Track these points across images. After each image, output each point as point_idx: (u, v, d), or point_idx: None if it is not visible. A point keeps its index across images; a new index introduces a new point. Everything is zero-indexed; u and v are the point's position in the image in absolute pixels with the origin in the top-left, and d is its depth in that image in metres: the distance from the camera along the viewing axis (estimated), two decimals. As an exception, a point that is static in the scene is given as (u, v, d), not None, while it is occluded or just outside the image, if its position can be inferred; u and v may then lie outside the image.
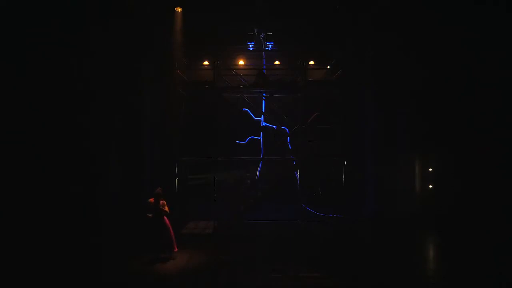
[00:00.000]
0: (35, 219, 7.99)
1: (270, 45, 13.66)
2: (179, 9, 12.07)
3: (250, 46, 13.63)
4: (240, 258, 8.71)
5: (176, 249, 8.75)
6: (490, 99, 10.56)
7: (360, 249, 9.44)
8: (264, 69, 13.05)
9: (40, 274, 7.19)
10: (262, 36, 13.37)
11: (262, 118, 13.65)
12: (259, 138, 13.88)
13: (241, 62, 13.57)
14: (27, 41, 8.05)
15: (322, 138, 12.17)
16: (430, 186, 12.51)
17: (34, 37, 8.15)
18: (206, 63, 13.34)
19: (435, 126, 11.83)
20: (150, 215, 8.57)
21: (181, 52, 12.17)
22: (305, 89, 11.70)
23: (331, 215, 11.91)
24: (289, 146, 13.42)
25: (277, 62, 13.65)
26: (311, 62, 13.18)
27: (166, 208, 8.67)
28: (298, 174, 12.12)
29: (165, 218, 8.68)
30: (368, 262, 8.42)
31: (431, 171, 12.55)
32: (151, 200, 8.65)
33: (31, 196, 7.99)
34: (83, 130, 9.47)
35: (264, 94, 13.11)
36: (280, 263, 8.31)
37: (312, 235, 10.76)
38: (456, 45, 11.08)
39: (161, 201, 8.64)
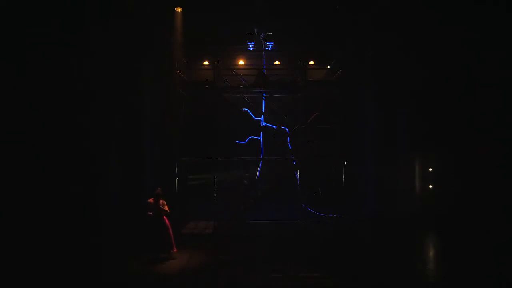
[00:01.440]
0: (35, 219, 7.98)
1: (270, 45, 13.66)
2: (179, 9, 12.06)
3: (250, 46, 13.63)
4: (240, 258, 8.72)
5: (175, 250, 8.75)
6: (490, 99, 10.55)
7: (360, 249, 9.45)
8: (264, 69, 13.05)
9: (40, 274, 7.19)
10: (262, 36, 13.36)
11: (262, 118, 13.65)
12: (259, 138, 13.88)
13: (241, 62, 13.57)
14: (27, 41, 8.04)
15: (322, 138, 12.16)
16: (430, 186, 12.51)
17: (34, 37, 8.14)
18: (206, 63, 13.33)
19: (435, 126, 11.82)
20: (151, 213, 8.58)
21: (181, 52, 12.16)
22: (305, 89, 11.71)
23: (331, 215, 11.91)
24: (289, 146, 13.41)
25: (277, 62, 13.65)
26: (311, 62, 13.17)
27: (166, 208, 8.68)
28: (298, 174, 12.13)
29: (165, 218, 8.68)
30: (368, 262, 8.42)
31: (431, 171, 12.55)
32: (151, 200, 8.65)
33: (31, 196, 7.98)
34: (83, 130, 9.46)
35: (264, 94, 13.11)
36: (280, 263, 8.32)
37: (312, 235, 10.76)
38: (456, 45, 11.07)
39: (160, 201, 8.64)
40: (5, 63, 7.74)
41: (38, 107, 8.30)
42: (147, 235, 8.84)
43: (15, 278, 6.91)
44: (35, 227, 7.96)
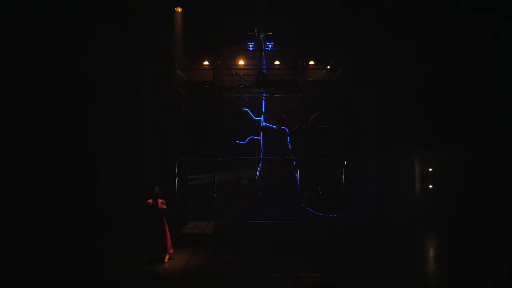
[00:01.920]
0: (35, 219, 7.99)
1: (270, 45, 13.66)
2: (179, 9, 12.06)
3: (250, 46, 13.64)
4: (240, 258, 8.71)
5: (171, 251, 8.65)
6: (490, 99, 10.56)
7: (360, 249, 9.44)
8: (264, 69, 13.04)
9: (41, 273, 7.19)
10: (262, 36, 13.37)
11: (262, 118, 13.65)
12: (259, 138, 13.88)
13: (241, 62, 13.54)
14: (27, 41, 8.04)
15: (322, 138, 12.17)
16: (430, 186, 12.52)
17: (34, 37, 8.14)
18: (206, 63, 13.32)
19: (435, 126, 11.84)
20: (150, 210, 8.53)
21: (181, 52, 12.16)
22: (305, 89, 11.71)
23: (331, 215, 11.91)
24: (289, 146, 13.42)
25: (277, 62, 13.64)
26: (311, 62, 13.16)
27: (164, 205, 8.60)
28: (298, 174, 12.13)
29: (164, 219, 8.62)
30: (368, 262, 8.41)
31: (431, 171, 12.56)
32: (150, 200, 8.60)
33: (31, 197, 7.98)
34: (83, 130, 9.46)
35: (264, 94, 13.11)
36: (280, 263, 8.32)
37: (312, 235, 10.77)
38: (456, 45, 11.09)
39: (159, 200, 8.59)
40: (5, 63, 7.73)
41: (39, 108, 8.31)
42: (145, 235, 8.80)
43: (16, 277, 6.90)
44: (36, 227, 7.96)
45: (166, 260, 8.49)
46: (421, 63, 11.68)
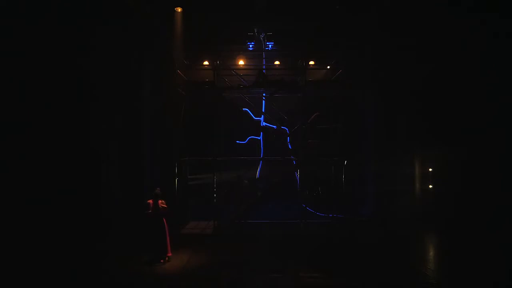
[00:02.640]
0: (35, 219, 7.99)
1: (270, 45, 13.66)
2: (179, 9, 12.06)
3: (250, 46, 13.63)
4: (240, 258, 8.71)
5: (170, 254, 8.59)
6: (490, 99, 10.56)
7: (360, 249, 9.44)
8: (264, 69, 13.04)
9: (41, 273, 7.19)
10: (262, 36, 13.37)
11: (262, 118, 13.65)
12: (259, 138, 13.88)
13: (241, 62, 13.53)
14: (27, 41, 8.04)
15: (322, 138, 12.18)
16: (430, 186, 12.52)
17: (34, 37, 8.14)
18: (206, 63, 13.31)
19: (435, 126, 11.84)
20: (150, 211, 8.51)
21: (181, 52, 12.16)
22: (305, 89, 11.71)
23: (331, 215, 11.91)
24: (289, 146, 13.42)
25: (277, 62, 13.63)
26: (311, 62, 13.15)
27: (165, 205, 8.59)
28: (298, 174, 12.13)
29: (164, 220, 8.60)
30: (368, 262, 8.41)
31: (431, 171, 12.56)
32: (150, 201, 8.59)
33: (31, 197, 7.98)
34: (83, 130, 9.46)
35: (264, 94, 13.11)
36: (280, 263, 8.32)
37: (312, 235, 10.76)
38: (456, 45, 11.08)
39: (159, 201, 8.58)
40: (5, 63, 7.73)
41: (39, 108, 8.30)
42: (146, 236, 8.80)
43: (16, 276, 6.90)
44: (37, 227, 7.96)
45: (166, 260, 8.48)
46: (421, 63, 11.68)
